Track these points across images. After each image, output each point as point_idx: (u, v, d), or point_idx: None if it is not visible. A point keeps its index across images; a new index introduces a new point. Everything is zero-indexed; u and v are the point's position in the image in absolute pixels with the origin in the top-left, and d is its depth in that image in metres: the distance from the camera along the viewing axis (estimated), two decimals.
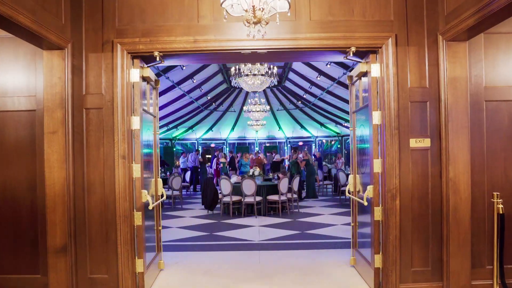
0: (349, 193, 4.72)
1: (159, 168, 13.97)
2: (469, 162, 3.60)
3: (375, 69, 3.84)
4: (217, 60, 5.06)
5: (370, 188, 3.86)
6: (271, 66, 10.70)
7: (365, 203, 3.87)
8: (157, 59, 3.79)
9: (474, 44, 3.69)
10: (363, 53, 3.96)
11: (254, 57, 4.44)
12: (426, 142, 3.71)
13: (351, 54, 3.78)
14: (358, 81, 4.45)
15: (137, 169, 3.82)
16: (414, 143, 3.71)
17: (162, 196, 4.72)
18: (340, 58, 4.39)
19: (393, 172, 3.67)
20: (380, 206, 3.80)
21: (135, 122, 3.84)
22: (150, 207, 3.89)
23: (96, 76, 3.74)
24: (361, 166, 4.43)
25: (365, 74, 4.12)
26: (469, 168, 3.59)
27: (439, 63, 3.66)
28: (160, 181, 4.68)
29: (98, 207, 3.72)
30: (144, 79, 4.16)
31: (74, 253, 3.67)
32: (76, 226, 3.70)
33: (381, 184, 3.79)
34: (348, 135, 21.33)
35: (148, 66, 4.15)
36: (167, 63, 4.52)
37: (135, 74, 3.86)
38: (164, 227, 7.76)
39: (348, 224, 7.79)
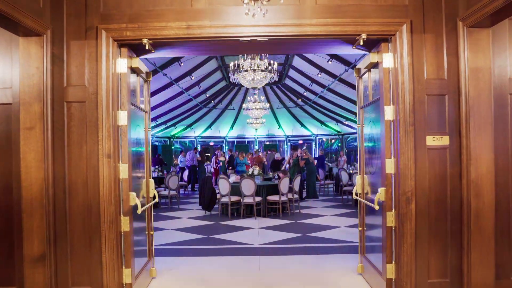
0: (356, 195, 4.36)
1: (151, 167, 13.40)
2: (493, 162, 3.24)
3: (387, 59, 3.48)
4: (214, 50, 4.69)
5: (381, 190, 3.50)
6: (271, 62, 10.34)
7: (376, 207, 3.51)
8: (146, 47, 3.42)
9: (497, 31, 3.32)
10: (373, 43, 3.59)
11: (254, 47, 4.09)
12: (444, 140, 3.35)
13: (361, 43, 3.42)
14: (367, 73, 4.08)
15: (124, 169, 3.46)
16: (431, 140, 3.35)
17: (154, 198, 4.36)
18: (347, 49, 4.04)
19: (408, 173, 3.31)
20: (393, 210, 3.45)
21: (122, 117, 3.47)
22: (139, 211, 3.53)
23: (79, 66, 3.37)
24: (370, 166, 4.07)
25: (375, 65, 3.76)
26: (493, 169, 3.24)
27: (458, 52, 3.30)
28: (152, 181, 4.32)
29: (81, 211, 3.36)
30: (133, 70, 3.80)
31: (54, 262, 3.30)
32: (56, 233, 3.33)
33: (394, 186, 3.43)
34: (349, 134, 21.06)
35: (137, 57, 3.79)
36: (159, 54, 4.16)
37: (122, 64, 3.49)
38: (159, 229, 7.44)
39: (353, 226, 7.46)
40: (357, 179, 4.35)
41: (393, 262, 3.45)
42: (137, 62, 3.73)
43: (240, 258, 5.38)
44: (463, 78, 3.27)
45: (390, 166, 3.45)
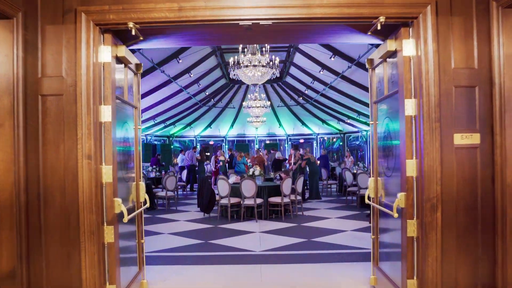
0: (369, 199, 3.94)
1: (150, 167, 12.91)
2: None
3: (408, 47, 3.05)
4: (211, 40, 4.26)
5: (401, 196, 3.07)
6: (273, 57, 9.91)
7: (395, 215, 3.08)
8: (133, 32, 2.99)
9: None
10: (391, 28, 3.16)
11: (255, 35, 3.69)
12: (474, 138, 2.92)
13: (379, 27, 2.98)
14: (382, 64, 3.65)
15: (107, 172, 3.03)
16: (459, 139, 2.92)
17: (145, 203, 3.94)
18: (360, 38, 3.67)
19: (434, 176, 2.88)
20: (415, 219, 3.02)
21: (106, 113, 3.04)
22: (125, 220, 3.11)
23: (55, 54, 2.94)
24: (385, 167, 3.65)
25: (393, 54, 3.33)
26: None
27: (491, 37, 2.86)
28: (142, 185, 3.89)
29: (58, 220, 2.93)
30: (119, 60, 3.37)
31: (26, 280, 2.87)
32: (29, 246, 2.90)
33: (417, 191, 3.00)
34: (351, 132, 20.61)
35: (124, 45, 3.35)
36: (150, 44, 3.77)
37: (105, 53, 3.06)
38: (154, 233, 7.02)
39: (360, 230, 7.05)
40: (370, 182, 3.92)
41: (415, 278, 3.02)
42: (124, 51, 3.29)
43: (240, 267, 4.96)
44: (496, 66, 2.84)
45: (411, 168, 3.02)
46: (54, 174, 2.92)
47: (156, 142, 21.14)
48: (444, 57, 2.93)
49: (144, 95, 13.14)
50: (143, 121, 16.73)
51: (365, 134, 19.47)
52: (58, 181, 2.92)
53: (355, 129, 19.77)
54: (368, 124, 17.91)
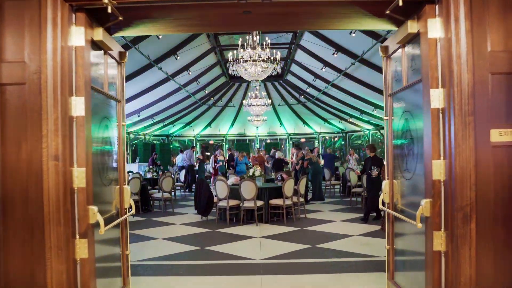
0: (383, 204, 3.48)
1: (147, 167, 12.36)
2: None
3: (434, 27, 2.58)
4: (205, 25, 3.76)
5: (426, 203, 2.60)
6: (274, 51, 9.44)
7: (419, 225, 2.62)
8: (109, 9, 2.52)
9: None
10: (411, 8, 2.71)
11: (255, 19, 3.28)
12: None
13: (400, 3, 2.51)
14: (399, 50, 3.19)
15: (80, 175, 2.56)
16: (496, 136, 2.45)
17: (130, 209, 3.49)
18: (373, 24, 3.25)
19: (467, 180, 2.41)
20: (443, 230, 2.55)
21: (78, 106, 2.58)
22: (102, 231, 2.64)
23: (16, 35, 2.48)
24: (404, 169, 3.18)
25: (414, 37, 2.86)
26: None
27: None
28: (127, 189, 3.43)
29: (20, 233, 2.46)
30: (97, 46, 2.91)
31: None
32: None
33: (445, 198, 2.53)
34: (353, 131, 20.14)
35: (101, 27, 2.88)
36: (135, 31, 3.42)
37: (77, 35, 2.60)
38: (148, 238, 6.59)
39: (366, 235, 6.59)
40: (384, 185, 3.46)
41: None
42: (101, 34, 2.82)
43: (239, 278, 4.50)
44: None
45: (438, 170, 2.55)
46: (15, 178, 2.45)
47: (155, 142, 20.74)
48: (478, 39, 2.45)
49: (141, 93, 12.69)
50: (141, 120, 16.28)
51: (368, 133, 19.03)
52: (20, 186, 2.45)
53: (357, 128, 19.32)
54: (371, 123, 17.51)
